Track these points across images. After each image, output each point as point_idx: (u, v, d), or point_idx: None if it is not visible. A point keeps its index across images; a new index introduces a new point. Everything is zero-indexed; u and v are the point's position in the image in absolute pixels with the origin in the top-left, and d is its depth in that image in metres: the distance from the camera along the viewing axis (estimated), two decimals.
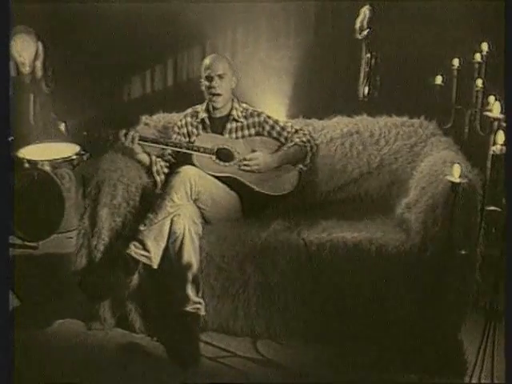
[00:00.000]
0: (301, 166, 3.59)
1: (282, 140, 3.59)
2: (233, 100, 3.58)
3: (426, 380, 2.94)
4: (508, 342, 2.41)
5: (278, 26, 4.98)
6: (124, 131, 3.38)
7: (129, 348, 3.20)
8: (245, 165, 3.46)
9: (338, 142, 3.77)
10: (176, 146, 3.47)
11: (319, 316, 3.17)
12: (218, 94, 3.50)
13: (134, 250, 3.14)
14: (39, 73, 4.61)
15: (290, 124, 3.66)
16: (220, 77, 3.48)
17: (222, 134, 3.55)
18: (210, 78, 3.49)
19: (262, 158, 3.49)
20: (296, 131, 3.62)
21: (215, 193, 3.33)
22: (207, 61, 3.53)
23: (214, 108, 3.55)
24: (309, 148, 3.59)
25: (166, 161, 3.53)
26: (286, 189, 3.52)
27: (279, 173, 3.53)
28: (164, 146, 3.48)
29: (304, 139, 3.59)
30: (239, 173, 3.46)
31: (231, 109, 3.57)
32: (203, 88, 3.55)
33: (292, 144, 3.57)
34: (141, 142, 3.41)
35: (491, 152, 2.54)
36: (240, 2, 4.92)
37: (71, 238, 3.73)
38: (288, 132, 3.60)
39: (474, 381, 2.73)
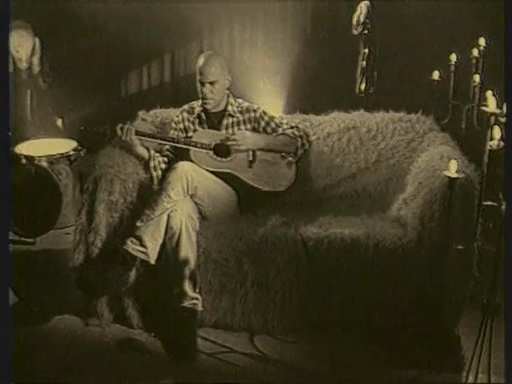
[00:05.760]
0: (290, 158, 3.56)
1: None
2: (228, 95, 3.57)
3: (424, 375, 2.94)
4: (508, 336, 2.41)
5: (275, 22, 4.98)
6: (121, 125, 3.38)
7: (126, 344, 3.20)
8: (232, 140, 3.45)
9: (335, 138, 3.76)
10: (174, 141, 3.47)
11: (316, 311, 3.17)
12: (209, 99, 3.49)
13: (131, 245, 3.14)
14: (36, 68, 4.59)
15: (285, 121, 3.64)
16: (211, 84, 3.45)
17: (218, 129, 3.54)
18: (201, 83, 3.47)
19: (250, 134, 3.48)
20: (291, 128, 3.60)
21: (212, 188, 3.33)
22: (200, 62, 3.48)
23: (206, 108, 3.55)
24: (300, 143, 3.56)
25: (164, 156, 3.53)
26: (283, 185, 3.52)
27: (276, 169, 3.53)
28: (161, 141, 3.49)
29: (296, 133, 3.57)
30: (236, 169, 3.46)
31: (227, 104, 3.55)
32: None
33: (282, 132, 3.56)
34: (138, 137, 3.41)
35: (488, 147, 2.54)
36: None
37: (68, 233, 3.73)
38: (283, 129, 3.58)
39: (470, 376, 2.73)
